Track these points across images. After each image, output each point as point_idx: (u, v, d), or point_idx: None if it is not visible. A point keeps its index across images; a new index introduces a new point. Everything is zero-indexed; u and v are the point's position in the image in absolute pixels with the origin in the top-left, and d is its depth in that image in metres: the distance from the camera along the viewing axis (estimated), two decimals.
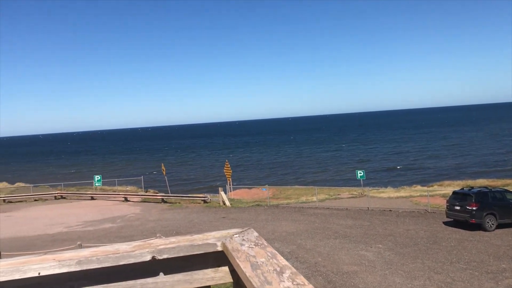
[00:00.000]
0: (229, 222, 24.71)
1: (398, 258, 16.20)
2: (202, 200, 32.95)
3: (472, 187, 23.16)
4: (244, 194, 37.65)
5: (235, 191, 38.09)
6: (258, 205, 30.80)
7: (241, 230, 2.02)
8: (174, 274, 1.91)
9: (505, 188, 26.06)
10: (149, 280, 1.87)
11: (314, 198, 30.79)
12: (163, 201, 34.63)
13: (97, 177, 39.83)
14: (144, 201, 35.78)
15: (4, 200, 38.97)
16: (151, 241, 1.99)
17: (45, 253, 1.89)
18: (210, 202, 32.57)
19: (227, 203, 31.06)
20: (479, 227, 20.48)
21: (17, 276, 1.69)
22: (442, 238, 19.08)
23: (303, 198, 32.90)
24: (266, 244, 1.84)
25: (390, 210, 26.34)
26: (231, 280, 1.93)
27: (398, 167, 61.19)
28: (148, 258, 1.83)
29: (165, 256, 1.85)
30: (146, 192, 40.73)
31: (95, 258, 1.78)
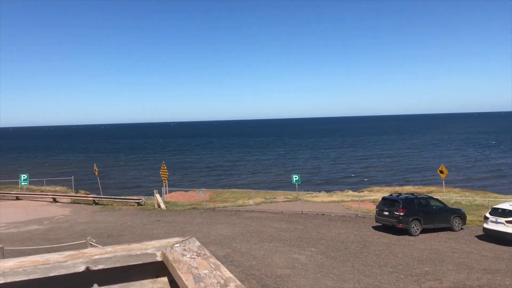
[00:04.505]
0: (164, 225, 24.24)
1: (329, 262, 16.65)
2: (136, 202, 32.08)
3: (400, 194, 24.33)
4: (180, 197, 37.11)
5: (171, 194, 37.45)
6: (194, 208, 30.48)
7: (182, 239, 1.96)
8: (109, 285, 1.81)
9: (429, 194, 27.63)
10: None
11: (251, 202, 30.98)
12: (95, 202, 33.34)
13: (23, 176, 37.62)
14: (74, 202, 34.24)
15: None
16: (86, 250, 1.88)
17: None
18: (144, 204, 31.79)
19: (162, 205, 30.46)
20: (405, 232, 21.54)
21: None
22: (371, 242, 19.86)
23: (240, 202, 32.99)
24: (209, 254, 1.80)
25: (323, 214, 27.04)
26: None
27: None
28: (81, 269, 1.72)
29: (100, 267, 1.75)
30: (77, 193, 39.02)
31: (21, 269, 1.64)
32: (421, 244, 19.66)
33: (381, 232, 22.05)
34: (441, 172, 31.60)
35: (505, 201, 22.92)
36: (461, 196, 32.72)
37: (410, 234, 21.33)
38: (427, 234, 21.68)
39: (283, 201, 32.52)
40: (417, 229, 21.52)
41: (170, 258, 1.76)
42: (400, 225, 21.41)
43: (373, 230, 22.70)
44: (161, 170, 36.10)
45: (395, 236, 21.27)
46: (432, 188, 37.91)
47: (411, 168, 65.17)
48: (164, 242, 1.95)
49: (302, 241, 19.95)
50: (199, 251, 1.84)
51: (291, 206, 30.09)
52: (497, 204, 22.08)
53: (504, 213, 20.12)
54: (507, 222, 19.59)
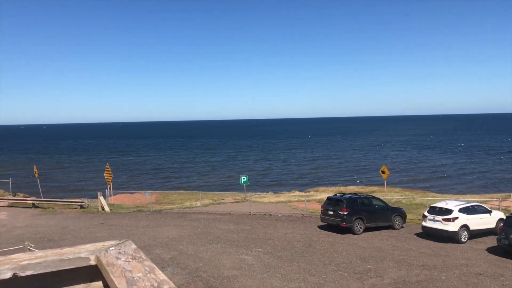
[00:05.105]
0: (108, 228, 23.58)
1: (276, 261, 16.83)
2: (78, 205, 30.98)
3: (344, 193, 25.01)
4: (126, 199, 36.24)
5: (116, 196, 36.46)
6: (139, 210, 29.86)
7: (118, 242, 1.93)
8: None
9: (371, 194, 28.58)
10: None
11: (198, 203, 30.75)
12: (34, 206, 31.89)
13: None
14: (11, 205, 32.59)
15: None
16: (13, 255, 1.80)
17: None
18: (87, 207, 30.77)
19: (106, 208, 29.62)
20: (349, 230, 22.16)
21: None
22: (316, 241, 20.28)
23: (187, 203, 32.67)
24: (144, 257, 1.78)
25: (270, 215, 27.30)
26: None
27: (303, 176, 61.94)
28: (8, 275, 1.64)
29: (29, 273, 1.68)
30: (14, 196, 37.14)
31: None
32: (364, 243, 20.30)
33: (326, 231, 22.57)
34: (383, 172, 32.77)
35: (442, 200, 24.13)
36: (401, 196, 34.09)
37: (353, 232, 21.97)
38: (369, 232, 22.41)
39: (231, 202, 32.51)
40: (360, 227, 22.20)
41: (104, 261, 1.72)
42: (344, 224, 22.00)
43: (318, 229, 23.19)
44: (105, 171, 35.06)
45: (339, 235, 21.83)
46: (375, 188, 39.24)
47: (358, 169, 67.06)
48: (99, 245, 1.91)
49: (249, 242, 20.05)
50: (134, 254, 1.81)
51: (239, 207, 30.15)
52: (434, 203, 23.20)
53: (441, 211, 21.16)
54: (444, 220, 20.62)
